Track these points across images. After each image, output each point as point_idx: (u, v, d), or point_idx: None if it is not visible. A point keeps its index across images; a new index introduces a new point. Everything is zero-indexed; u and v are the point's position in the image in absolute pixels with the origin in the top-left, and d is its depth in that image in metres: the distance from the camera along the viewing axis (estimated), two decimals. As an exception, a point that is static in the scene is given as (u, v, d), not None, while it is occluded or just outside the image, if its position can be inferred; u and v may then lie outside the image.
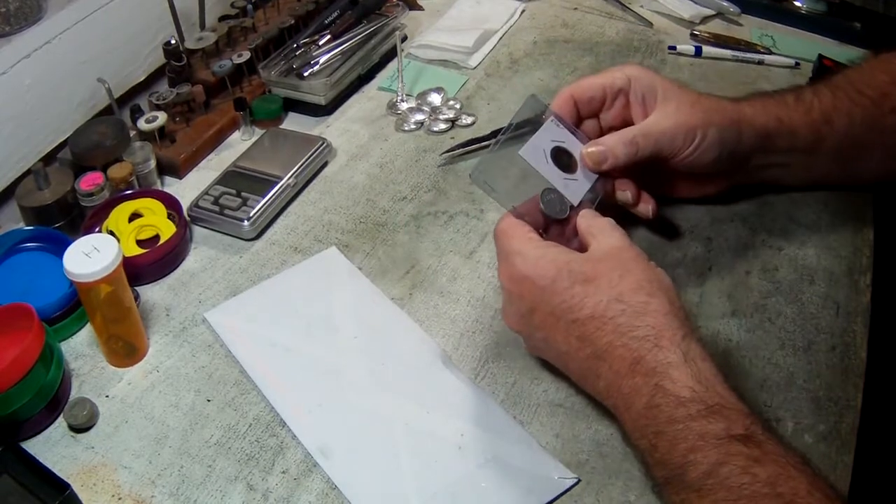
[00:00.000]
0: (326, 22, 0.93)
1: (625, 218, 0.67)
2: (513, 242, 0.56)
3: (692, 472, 0.44)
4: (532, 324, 0.55)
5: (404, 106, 0.90)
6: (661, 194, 0.72)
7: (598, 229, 0.56)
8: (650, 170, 0.68)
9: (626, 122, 0.66)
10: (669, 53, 0.97)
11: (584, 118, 0.67)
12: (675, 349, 0.48)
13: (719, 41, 0.98)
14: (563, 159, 0.62)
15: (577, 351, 0.52)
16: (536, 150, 0.61)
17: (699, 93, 0.65)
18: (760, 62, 0.94)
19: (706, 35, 0.99)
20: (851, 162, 0.69)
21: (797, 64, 0.93)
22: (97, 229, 0.73)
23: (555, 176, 0.61)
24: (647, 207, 0.65)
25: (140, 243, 0.72)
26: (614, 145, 0.62)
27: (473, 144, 0.83)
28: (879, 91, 0.67)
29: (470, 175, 0.60)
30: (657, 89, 0.64)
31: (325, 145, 0.82)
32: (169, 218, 0.73)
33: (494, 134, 0.83)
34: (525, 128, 0.63)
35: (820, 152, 0.68)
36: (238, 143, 0.87)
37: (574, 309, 0.52)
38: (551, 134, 0.63)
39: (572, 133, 0.64)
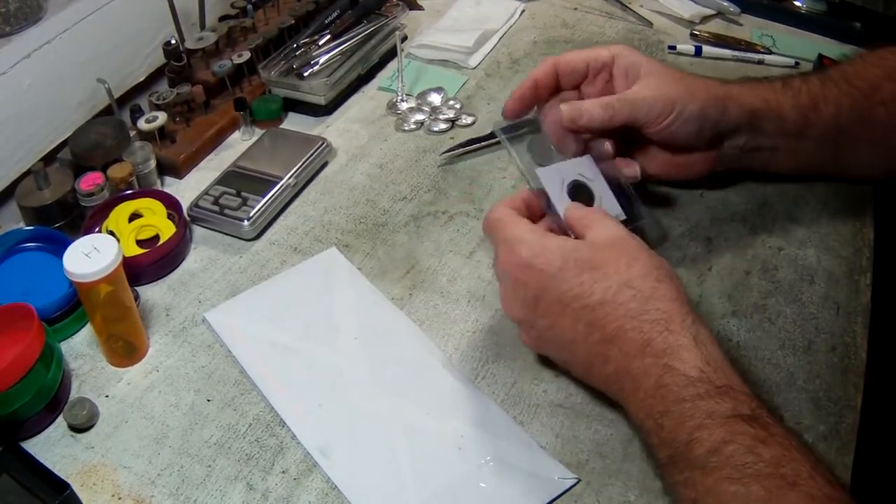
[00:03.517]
0: (326, 22, 0.93)
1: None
2: (514, 230, 0.56)
3: (697, 448, 0.45)
4: (537, 311, 0.55)
5: (404, 106, 0.90)
6: (648, 176, 0.72)
7: (593, 220, 0.56)
8: (636, 146, 0.68)
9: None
10: (669, 53, 0.97)
11: (563, 89, 0.68)
12: (685, 332, 0.49)
13: (719, 41, 0.98)
14: (579, 194, 0.61)
15: (585, 337, 0.52)
16: (557, 174, 0.61)
17: (686, 72, 0.66)
18: (760, 62, 0.94)
19: (706, 35, 0.99)
20: (839, 152, 0.69)
21: (797, 64, 0.93)
22: (97, 229, 0.73)
23: (563, 205, 0.60)
24: (631, 170, 0.66)
25: (140, 243, 0.72)
26: (591, 106, 0.63)
27: (473, 144, 0.83)
28: (870, 83, 0.67)
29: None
30: (641, 65, 0.65)
31: (325, 145, 0.82)
32: (169, 218, 0.73)
33: (495, 134, 0.83)
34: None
35: (807, 138, 0.68)
36: (238, 143, 0.87)
37: (583, 296, 0.52)
38: (581, 168, 0.63)
39: (604, 177, 0.63)
